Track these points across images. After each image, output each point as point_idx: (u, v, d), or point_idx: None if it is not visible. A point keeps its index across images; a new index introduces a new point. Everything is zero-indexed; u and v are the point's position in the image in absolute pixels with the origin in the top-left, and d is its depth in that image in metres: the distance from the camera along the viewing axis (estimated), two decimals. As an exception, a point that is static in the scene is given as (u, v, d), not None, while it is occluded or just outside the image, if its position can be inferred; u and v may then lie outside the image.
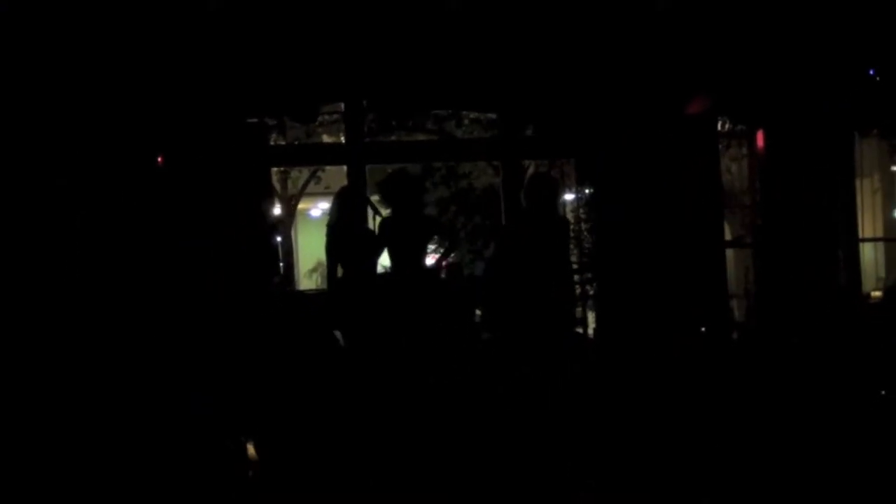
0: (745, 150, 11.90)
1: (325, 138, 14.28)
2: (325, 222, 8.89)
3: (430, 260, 8.74)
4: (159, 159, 9.07)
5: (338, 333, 8.47)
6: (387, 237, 8.52)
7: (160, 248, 6.67)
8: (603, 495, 6.12)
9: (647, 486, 6.30)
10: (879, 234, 12.41)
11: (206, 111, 9.60)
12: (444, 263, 9.12)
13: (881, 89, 9.06)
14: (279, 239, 8.65)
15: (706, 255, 9.21)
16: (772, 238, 9.60)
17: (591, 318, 10.50)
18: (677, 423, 8.25)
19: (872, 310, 9.11)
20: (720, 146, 11.73)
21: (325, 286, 9.26)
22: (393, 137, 12.56)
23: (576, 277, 10.10)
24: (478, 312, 9.94)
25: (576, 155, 12.59)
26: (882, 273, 13.59)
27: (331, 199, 9.36)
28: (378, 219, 8.78)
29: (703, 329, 10.02)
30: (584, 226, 13.85)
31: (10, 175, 6.90)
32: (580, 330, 10.15)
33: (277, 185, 15.79)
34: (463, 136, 13.09)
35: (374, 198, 9.33)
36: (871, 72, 8.98)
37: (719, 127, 11.24)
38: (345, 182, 11.11)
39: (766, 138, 9.62)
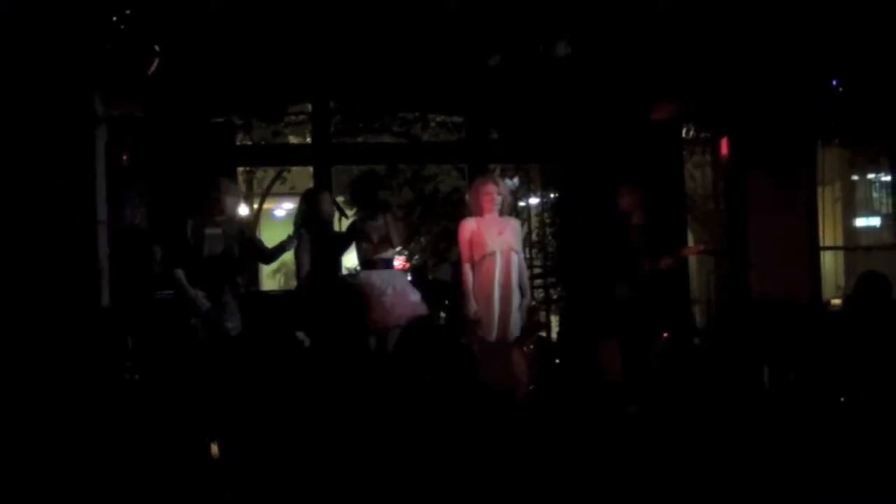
0: (708, 157, 12.01)
1: (292, 139, 14.25)
2: (289, 222, 8.89)
3: (397, 262, 8.75)
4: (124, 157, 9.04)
5: (301, 334, 8.46)
6: (355, 238, 8.53)
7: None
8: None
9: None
10: (840, 242, 12.54)
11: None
12: (405, 265, 9.15)
13: (843, 99, 9.16)
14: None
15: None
16: (734, 245, 9.68)
17: (554, 321, 10.55)
18: (638, 425, 8.33)
19: (832, 318, 9.20)
20: (684, 153, 11.84)
21: (287, 287, 9.26)
22: (359, 139, 12.56)
23: (538, 282, 10.15)
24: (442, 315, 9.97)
25: (541, 159, 12.67)
26: (841, 282, 13.74)
27: (296, 199, 9.35)
28: (343, 220, 8.80)
29: (665, 334, 10.10)
30: (548, 230, 13.94)
31: None
32: (543, 334, 10.20)
33: (243, 185, 15.75)
34: (429, 139, 13.10)
35: (340, 199, 9.35)
36: (835, 82, 9.08)
37: (684, 134, 11.34)
38: (310, 183, 11.11)
39: (730, 146, 9.71)
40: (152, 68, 6.95)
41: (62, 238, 3.83)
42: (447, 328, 9.14)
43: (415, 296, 8.51)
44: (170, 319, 8.09)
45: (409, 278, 9.80)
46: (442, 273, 10.66)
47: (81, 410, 3.89)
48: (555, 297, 10.13)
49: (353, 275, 8.63)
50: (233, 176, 10.97)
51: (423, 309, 8.49)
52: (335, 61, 9.53)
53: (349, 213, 8.83)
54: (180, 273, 8.14)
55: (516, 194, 8.57)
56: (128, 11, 6.52)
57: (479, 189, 8.33)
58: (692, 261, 10.77)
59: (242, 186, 15.44)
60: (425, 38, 8.95)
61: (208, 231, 8.25)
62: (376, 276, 8.41)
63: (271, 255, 8.57)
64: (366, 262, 8.52)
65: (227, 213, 8.29)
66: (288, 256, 8.90)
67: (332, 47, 9.05)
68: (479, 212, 8.28)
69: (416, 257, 10.15)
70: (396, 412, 7.58)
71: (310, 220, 8.66)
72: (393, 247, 8.58)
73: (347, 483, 6.02)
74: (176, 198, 10.56)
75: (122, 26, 6.54)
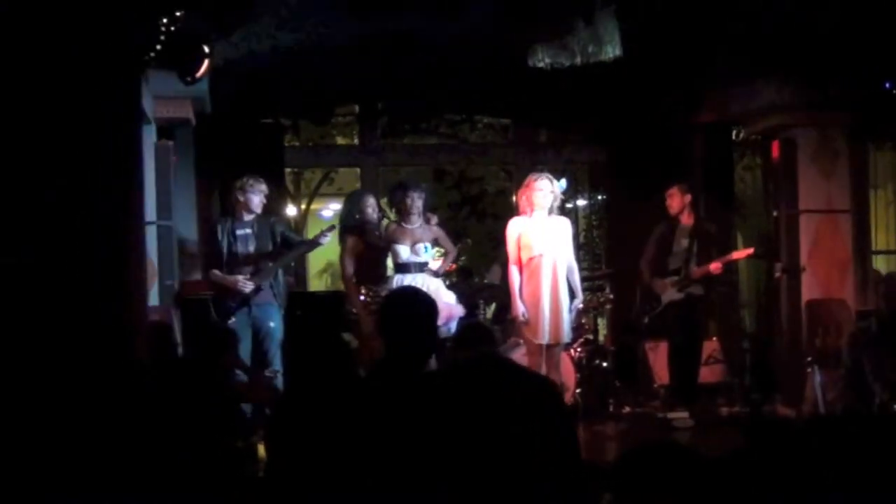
0: (758, 160, 11.90)
1: (339, 140, 14.28)
2: (336, 222, 8.92)
3: (435, 265, 8.71)
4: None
5: (348, 336, 8.45)
6: (390, 241, 8.50)
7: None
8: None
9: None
10: (893, 246, 12.38)
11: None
12: (448, 268, 9.11)
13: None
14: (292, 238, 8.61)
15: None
16: (785, 248, 9.57)
17: (601, 324, 10.48)
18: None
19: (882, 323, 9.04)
20: (734, 155, 11.73)
21: (334, 287, 9.27)
22: (406, 140, 12.57)
23: (585, 284, 10.08)
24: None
25: (589, 160, 12.62)
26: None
27: (343, 200, 9.39)
28: (386, 221, 8.80)
29: (713, 338, 10.01)
30: (595, 232, 13.87)
31: None
32: (591, 336, 10.13)
33: (291, 186, 15.81)
34: (476, 140, 13.08)
35: (384, 201, 9.36)
36: (887, 85, 8.94)
37: (733, 136, 11.24)
38: (357, 184, 11.14)
39: (782, 148, 9.59)
40: (202, 70, 6.96)
41: (107, 237, 3.81)
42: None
43: (448, 298, 8.43)
44: (207, 319, 8.14)
45: (454, 281, 9.79)
46: (491, 274, 10.63)
47: (116, 415, 3.88)
48: (602, 299, 10.05)
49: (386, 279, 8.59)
50: (280, 177, 11.02)
51: (458, 311, 8.40)
52: (382, 63, 9.52)
53: (391, 215, 8.82)
54: (216, 272, 8.22)
55: (564, 195, 8.47)
56: (178, 13, 6.53)
57: (530, 185, 8.18)
58: (741, 264, 10.65)
59: (290, 187, 15.48)
60: (470, 41, 8.91)
61: (238, 231, 8.31)
62: (409, 280, 8.34)
63: (298, 246, 8.59)
64: (399, 265, 8.48)
65: (256, 212, 8.31)
66: (335, 257, 8.94)
67: (379, 50, 9.04)
68: (528, 211, 8.16)
69: (463, 259, 10.12)
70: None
71: (353, 222, 8.68)
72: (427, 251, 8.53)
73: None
74: (223, 199, 10.66)
75: (173, 27, 6.55)
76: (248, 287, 8.16)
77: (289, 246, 8.52)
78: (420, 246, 8.41)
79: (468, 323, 8.28)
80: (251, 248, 8.31)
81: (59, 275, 3.77)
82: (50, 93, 3.72)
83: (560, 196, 8.28)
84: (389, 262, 8.60)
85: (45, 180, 3.76)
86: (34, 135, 3.74)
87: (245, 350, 7.83)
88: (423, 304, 3.62)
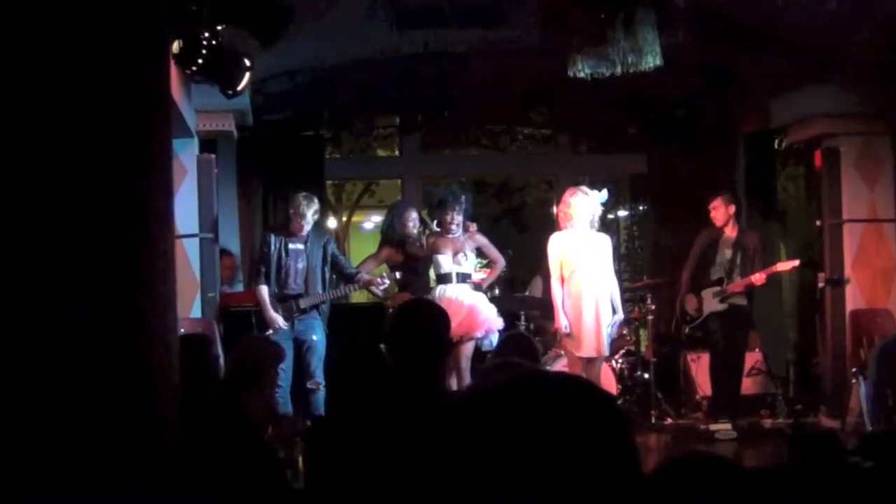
0: (801, 169, 11.79)
1: (380, 152, 14.33)
2: (377, 235, 8.98)
3: (477, 275, 8.71)
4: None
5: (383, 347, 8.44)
6: (433, 251, 8.51)
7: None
8: None
9: None
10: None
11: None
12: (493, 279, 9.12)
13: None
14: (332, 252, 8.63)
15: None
16: (829, 259, 9.47)
17: (643, 335, 10.41)
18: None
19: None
20: (777, 164, 11.63)
21: (375, 299, 9.28)
22: (446, 152, 12.59)
23: (627, 295, 10.03)
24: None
25: (630, 171, 12.58)
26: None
27: (384, 212, 9.44)
28: (427, 231, 8.82)
29: (756, 349, 9.92)
30: (637, 243, 13.81)
31: None
32: (632, 348, 10.08)
33: (332, 198, 15.88)
34: (517, 151, 13.08)
35: (424, 212, 9.37)
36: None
37: (776, 145, 11.14)
38: (398, 196, 11.16)
39: (824, 157, 9.49)
40: (243, 83, 7.01)
41: (135, 250, 3.80)
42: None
43: (489, 312, 8.42)
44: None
45: (496, 294, 9.77)
46: (532, 287, 10.60)
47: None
48: (644, 310, 9.98)
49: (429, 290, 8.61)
50: (321, 189, 11.07)
51: (498, 325, 8.36)
52: (422, 75, 9.54)
53: (433, 227, 8.83)
54: (263, 290, 8.25)
55: (605, 206, 8.44)
56: (219, 27, 6.57)
57: (566, 200, 8.19)
58: (784, 274, 10.54)
59: (331, 199, 15.56)
60: (511, 52, 8.91)
61: (291, 246, 8.34)
62: (451, 291, 8.34)
63: (350, 279, 8.60)
64: (440, 276, 8.48)
65: (307, 228, 8.35)
66: (378, 269, 8.98)
67: (418, 61, 9.06)
68: (568, 225, 8.15)
69: (504, 270, 10.08)
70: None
71: (394, 235, 8.72)
72: (468, 261, 8.53)
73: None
74: (265, 211, 10.70)
75: (215, 41, 6.60)
76: (283, 327, 8.19)
77: (338, 270, 8.54)
78: (461, 256, 8.42)
79: (510, 333, 8.24)
80: (302, 265, 8.34)
81: (61, 286, 3.75)
82: (75, 96, 3.73)
83: (601, 208, 8.26)
84: (432, 274, 8.64)
85: (67, 186, 3.76)
86: (60, 143, 3.74)
87: (287, 362, 7.85)
88: (426, 316, 3.57)
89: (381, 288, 8.55)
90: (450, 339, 3.49)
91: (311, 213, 8.31)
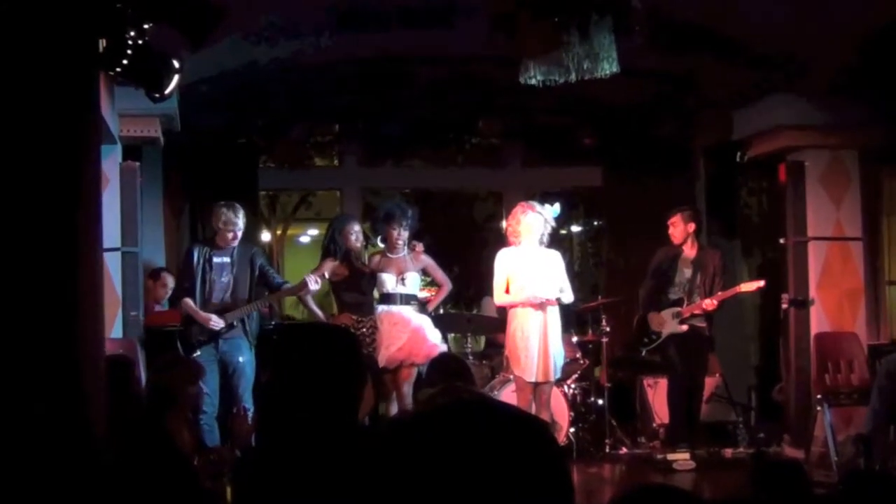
0: (764, 184, 11.90)
1: (318, 161, 14.26)
2: (314, 250, 8.93)
3: (421, 294, 8.72)
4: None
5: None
6: (377, 270, 8.51)
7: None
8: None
9: None
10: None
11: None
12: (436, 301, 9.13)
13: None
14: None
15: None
16: (794, 278, 9.55)
17: (597, 360, 10.44)
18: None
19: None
20: (738, 178, 11.73)
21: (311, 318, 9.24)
22: (389, 162, 12.55)
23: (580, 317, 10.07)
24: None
25: (584, 185, 12.63)
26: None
27: (322, 225, 9.40)
28: (370, 248, 8.81)
29: (717, 374, 9.98)
30: (591, 260, 13.87)
31: None
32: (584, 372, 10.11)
33: (265, 210, 15.79)
34: (463, 162, 13.08)
35: (366, 226, 9.35)
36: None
37: (737, 158, 11.24)
38: (337, 208, 11.12)
39: (789, 171, 9.58)
40: (171, 86, 6.94)
41: (59, 265, 3.74)
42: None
43: (434, 337, 8.42)
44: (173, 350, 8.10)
45: (442, 313, 9.76)
46: (484, 305, 10.60)
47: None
48: (598, 332, 10.01)
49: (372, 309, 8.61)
50: (254, 199, 11.00)
51: (439, 350, 8.35)
52: (364, 80, 9.53)
53: (377, 243, 8.81)
54: (188, 301, 8.22)
55: (557, 222, 8.48)
56: (146, 25, 6.51)
57: (516, 215, 8.23)
58: (747, 296, 10.62)
59: (265, 211, 15.46)
60: (459, 58, 8.93)
61: (216, 259, 8.30)
62: (395, 312, 8.35)
63: (278, 290, 8.54)
64: (384, 296, 8.48)
65: (235, 241, 8.31)
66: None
67: (360, 66, 9.05)
68: (518, 240, 8.18)
69: (451, 290, 10.05)
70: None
71: (337, 247, 8.69)
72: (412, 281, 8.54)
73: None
74: (193, 224, 10.61)
75: (140, 41, 6.53)
76: (220, 325, 8.16)
77: (266, 281, 8.48)
78: (407, 275, 8.43)
79: (439, 356, 8.25)
80: (227, 278, 8.30)
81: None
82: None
83: (553, 223, 8.29)
84: (376, 293, 8.63)
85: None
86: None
87: (212, 385, 7.78)
88: (317, 340, 3.24)
89: (314, 288, 8.40)
90: (361, 367, 3.23)
91: (240, 220, 8.27)
